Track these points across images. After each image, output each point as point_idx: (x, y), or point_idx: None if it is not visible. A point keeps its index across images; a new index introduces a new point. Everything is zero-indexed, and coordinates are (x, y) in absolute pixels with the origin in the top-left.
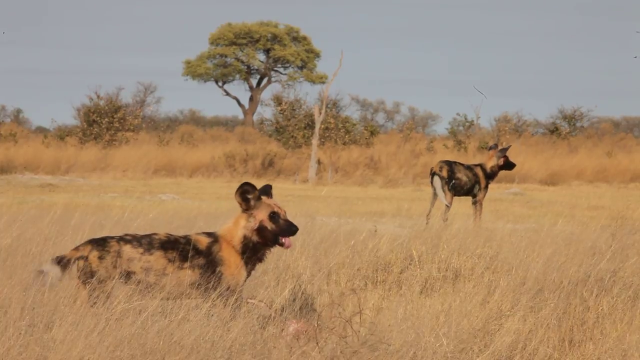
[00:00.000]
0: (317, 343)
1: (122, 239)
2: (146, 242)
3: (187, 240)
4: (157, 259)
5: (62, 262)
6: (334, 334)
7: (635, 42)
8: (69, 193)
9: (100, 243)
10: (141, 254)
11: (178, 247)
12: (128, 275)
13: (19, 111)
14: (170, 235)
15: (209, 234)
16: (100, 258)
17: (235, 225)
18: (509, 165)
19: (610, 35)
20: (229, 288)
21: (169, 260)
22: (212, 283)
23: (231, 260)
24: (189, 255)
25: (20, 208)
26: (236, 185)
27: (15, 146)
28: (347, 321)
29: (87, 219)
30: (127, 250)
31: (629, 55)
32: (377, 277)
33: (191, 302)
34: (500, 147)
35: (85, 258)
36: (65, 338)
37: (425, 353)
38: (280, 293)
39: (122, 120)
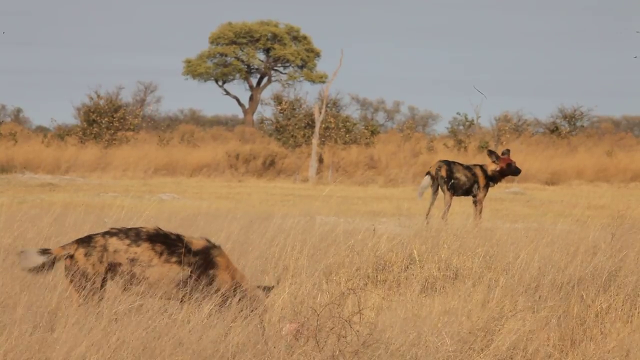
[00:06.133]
0: (317, 343)
1: (107, 233)
2: (133, 234)
3: (177, 236)
4: (143, 250)
5: (46, 254)
6: (334, 333)
7: (635, 42)
8: (69, 192)
9: (85, 240)
10: (128, 245)
11: (167, 242)
12: (114, 267)
13: (19, 110)
14: (160, 229)
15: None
16: (87, 255)
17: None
18: (512, 170)
19: (610, 35)
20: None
21: (156, 253)
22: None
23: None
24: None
25: (20, 207)
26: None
27: (15, 145)
28: (346, 321)
29: (87, 219)
30: (113, 242)
31: (629, 55)
32: (377, 276)
33: (193, 302)
34: (503, 150)
35: (72, 256)
36: (68, 338)
37: (427, 352)
38: (280, 293)
39: (122, 120)
